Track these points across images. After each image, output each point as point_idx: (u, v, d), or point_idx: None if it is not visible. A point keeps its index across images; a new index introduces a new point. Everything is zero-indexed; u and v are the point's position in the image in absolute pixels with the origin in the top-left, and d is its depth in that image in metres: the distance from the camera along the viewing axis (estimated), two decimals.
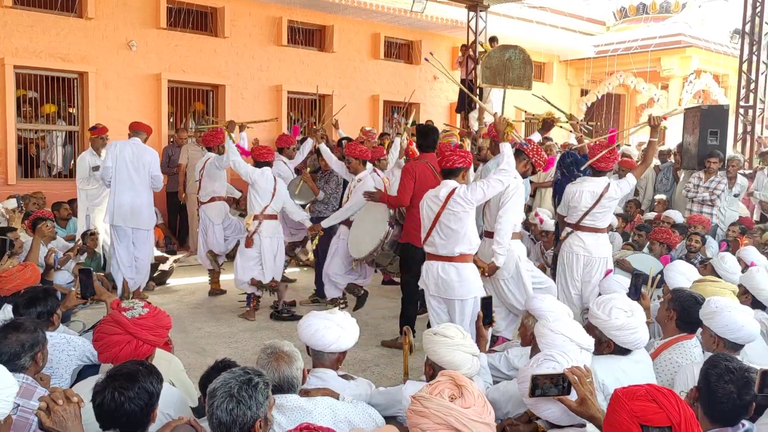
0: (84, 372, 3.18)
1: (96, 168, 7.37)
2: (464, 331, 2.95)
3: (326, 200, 7.11)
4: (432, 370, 2.88)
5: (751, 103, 11.16)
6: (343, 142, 7.77)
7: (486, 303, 3.47)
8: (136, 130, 6.79)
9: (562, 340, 2.75)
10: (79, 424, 2.13)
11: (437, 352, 2.85)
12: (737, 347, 3.18)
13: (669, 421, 1.90)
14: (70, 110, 10.02)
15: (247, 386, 2.15)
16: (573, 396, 2.32)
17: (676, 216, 7.75)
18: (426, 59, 6.91)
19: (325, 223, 6.47)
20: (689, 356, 3.39)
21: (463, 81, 13.01)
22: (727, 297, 3.54)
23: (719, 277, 4.61)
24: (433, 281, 4.61)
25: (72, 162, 9.86)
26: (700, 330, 3.41)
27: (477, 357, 2.91)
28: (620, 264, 5.98)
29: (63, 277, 6.49)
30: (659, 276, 4.88)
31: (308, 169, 7.19)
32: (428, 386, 2.25)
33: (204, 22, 11.04)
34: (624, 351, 3.06)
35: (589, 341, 2.84)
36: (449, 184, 4.57)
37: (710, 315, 3.23)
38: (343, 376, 3.09)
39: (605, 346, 3.07)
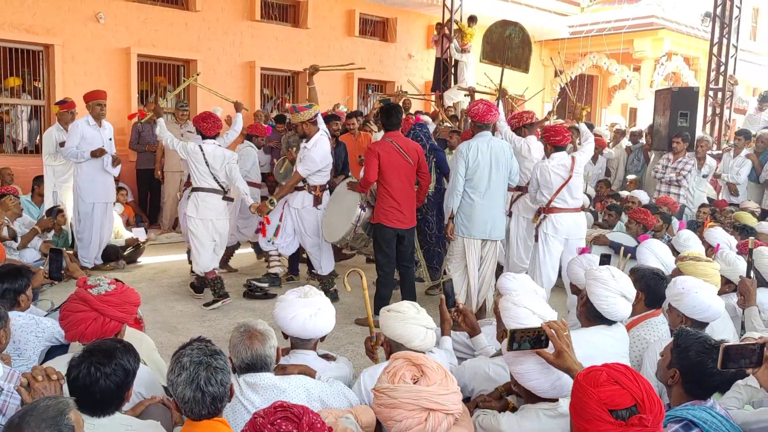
0: (52, 352, 3.13)
1: (62, 144, 7.22)
2: (419, 307, 3.00)
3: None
4: (389, 348, 2.93)
5: (720, 85, 11.32)
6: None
7: (448, 286, 3.49)
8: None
9: (524, 313, 2.80)
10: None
11: (390, 326, 2.89)
12: (703, 325, 3.27)
13: (633, 399, 1.94)
14: (36, 84, 9.75)
15: (217, 354, 2.22)
16: (550, 349, 2.36)
17: (641, 196, 7.89)
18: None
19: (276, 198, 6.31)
20: (657, 333, 3.45)
21: (438, 59, 12.98)
22: (693, 277, 3.56)
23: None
24: (566, 229, 5.52)
25: (38, 137, 9.62)
26: (666, 307, 3.48)
27: (431, 330, 2.93)
28: (597, 240, 6.09)
29: (30, 255, 6.37)
30: (630, 254, 4.97)
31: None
32: (386, 374, 2.23)
33: None
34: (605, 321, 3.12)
35: (552, 314, 2.90)
36: (564, 156, 5.52)
37: (677, 296, 3.29)
38: (324, 356, 3.09)
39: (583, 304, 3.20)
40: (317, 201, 6.18)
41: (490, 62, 8.54)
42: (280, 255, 6.55)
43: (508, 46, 8.61)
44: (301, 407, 1.91)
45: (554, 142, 5.53)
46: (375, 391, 2.23)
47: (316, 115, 6.06)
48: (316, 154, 6.00)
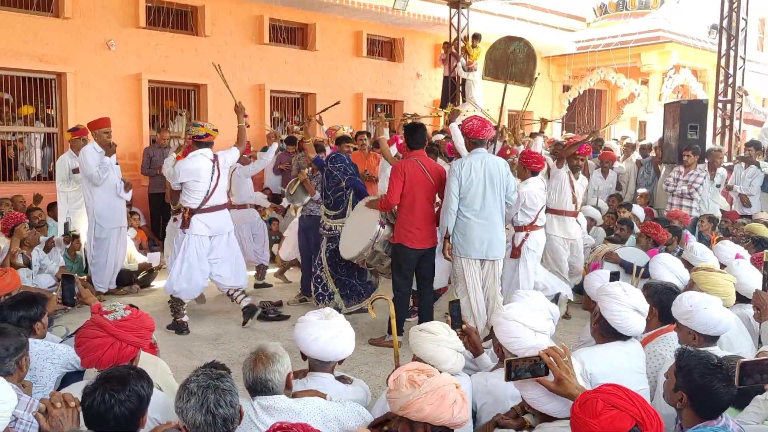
0: (67, 379, 3.14)
1: (76, 170, 7.30)
2: (449, 329, 2.97)
3: (320, 199, 7.13)
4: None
5: (729, 97, 11.29)
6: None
7: (455, 307, 3.46)
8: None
9: (515, 326, 2.83)
10: (77, 428, 2.11)
11: (421, 347, 2.87)
12: (715, 339, 3.22)
13: (633, 419, 1.94)
14: (49, 112, 9.89)
15: (224, 378, 2.24)
16: (551, 377, 2.35)
17: (639, 213, 8.01)
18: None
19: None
20: (673, 348, 3.41)
21: (446, 78, 13.05)
22: (699, 293, 3.51)
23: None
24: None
25: (51, 164, 9.74)
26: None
27: (461, 354, 2.93)
28: (608, 257, 6.04)
29: (45, 281, 6.41)
30: (643, 269, 4.93)
31: (305, 170, 7.13)
32: (404, 386, 2.29)
33: (184, 21, 10.94)
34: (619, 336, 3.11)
35: (544, 325, 2.89)
36: (538, 179, 6.08)
37: (687, 315, 3.20)
38: (340, 379, 3.08)
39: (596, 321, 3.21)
40: (185, 224, 5.96)
41: (493, 79, 8.55)
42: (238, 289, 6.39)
43: (512, 61, 8.60)
44: (301, 425, 1.92)
45: (533, 168, 6.01)
46: (409, 402, 2.26)
47: (203, 136, 5.96)
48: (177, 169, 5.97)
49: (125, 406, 2.17)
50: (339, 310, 6.13)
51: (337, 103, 8.48)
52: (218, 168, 5.96)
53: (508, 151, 6.99)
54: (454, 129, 6.95)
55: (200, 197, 5.92)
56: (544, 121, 7.73)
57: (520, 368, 2.34)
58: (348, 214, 6.22)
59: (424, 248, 5.52)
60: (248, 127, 6.72)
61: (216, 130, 6.10)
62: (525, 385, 2.40)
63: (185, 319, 6.11)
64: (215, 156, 6.00)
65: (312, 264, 6.66)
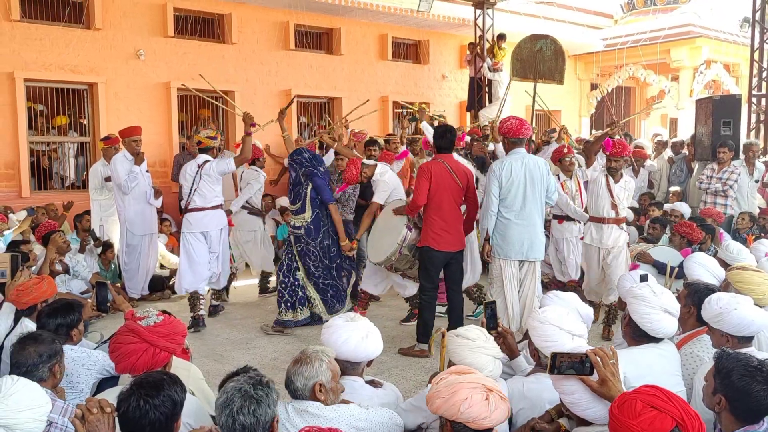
0: (102, 385, 3.19)
1: (108, 179, 7.43)
2: (486, 334, 2.95)
3: (344, 201, 7.13)
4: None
5: (763, 91, 11.04)
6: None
7: (491, 308, 3.41)
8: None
9: (552, 330, 2.80)
10: None
11: (459, 354, 2.85)
12: (749, 340, 3.12)
13: (674, 421, 1.90)
14: (81, 121, 10.09)
15: (261, 386, 2.22)
16: (595, 377, 2.32)
17: (683, 209, 7.73)
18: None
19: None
20: (710, 349, 3.34)
21: (471, 79, 12.99)
22: (728, 293, 3.41)
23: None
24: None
25: (85, 173, 9.93)
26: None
27: (499, 359, 2.91)
28: (641, 257, 5.93)
29: (77, 286, 6.54)
30: (677, 269, 4.83)
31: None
32: (434, 383, 2.37)
33: (211, 29, 11.07)
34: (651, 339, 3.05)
35: (581, 329, 2.85)
36: None
37: (717, 317, 3.12)
38: (371, 382, 3.07)
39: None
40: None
41: (522, 79, 8.45)
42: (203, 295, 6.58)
43: (540, 59, 8.50)
44: (330, 430, 1.93)
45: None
46: (431, 393, 2.31)
47: (197, 143, 6.63)
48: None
49: (160, 411, 2.19)
50: (320, 318, 6.18)
51: (366, 101, 8.47)
52: (200, 173, 6.34)
53: (566, 150, 6.92)
54: (425, 126, 7.28)
55: (185, 198, 6.46)
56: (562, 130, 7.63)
57: (564, 363, 2.30)
58: (306, 208, 6.19)
59: (452, 251, 5.48)
60: (258, 130, 7.14)
61: (212, 138, 6.53)
62: (566, 386, 2.35)
63: (202, 313, 6.42)
64: (204, 162, 6.38)
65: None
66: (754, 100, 11.13)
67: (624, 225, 6.12)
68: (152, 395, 2.20)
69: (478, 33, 12.81)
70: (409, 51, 13.80)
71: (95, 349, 3.53)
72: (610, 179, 5.99)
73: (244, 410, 2.15)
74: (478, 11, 12.83)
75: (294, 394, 2.63)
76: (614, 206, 5.96)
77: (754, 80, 11.16)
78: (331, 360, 2.68)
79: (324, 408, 2.60)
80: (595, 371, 2.31)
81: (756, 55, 11.10)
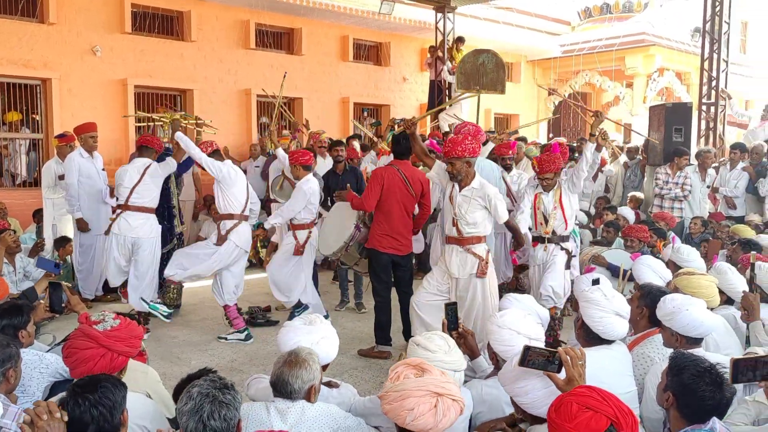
0: (55, 388, 3.10)
1: (62, 177, 7.24)
2: (450, 344, 2.83)
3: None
4: None
5: (713, 100, 11.41)
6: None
7: (452, 309, 3.43)
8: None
9: (509, 334, 2.85)
10: None
11: None
12: (698, 341, 3.21)
13: (608, 419, 1.95)
14: (34, 117, 9.81)
15: (227, 389, 2.21)
16: (561, 375, 2.36)
17: (627, 214, 7.95)
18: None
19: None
20: (661, 350, 3.44)
21: (432, 82, 13.10)
22: (683, 294, 3.53)
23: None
24: None
25: (37, 170, 9.66)
26: None
27: (459, 372, 2.78)
28: (596, 260, 6.07)
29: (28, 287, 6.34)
30: (629, 271, 4.96)
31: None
32: (390, 379, 2.36)
33: (170, 26, 10.90)
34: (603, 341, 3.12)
35: (538, 332, 2.92)
36: None
37: (669, 316, 3.21)
38: (327, 384, 3.07)
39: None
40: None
41: (465, 90, 8.81)
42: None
43: (482, 72, 8.88)
44: None
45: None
46: (383, 394, 2.31)
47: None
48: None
49: (102, 403, 2.18)
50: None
51: (285, 74, 8.10)
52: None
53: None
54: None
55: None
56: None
57: (533, 359, 2.34)
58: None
59: (399, 254, 5.54)
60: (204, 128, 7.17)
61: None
62: (519, 387, 2.40)
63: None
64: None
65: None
66: (704, 107, 11.50)
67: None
68: (88, 391, 2.19)
69: (439, 37, 12.92)
70: (371, 53, 13.84)
71: (48, 351, 3.44)
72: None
73: (215, 415, 2.13)
74: (439, 15, 12.95)
75: (288, 395, 2.61)
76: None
77: (704, 89, 11.53)
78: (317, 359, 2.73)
79: (308, 407, 2.60)
80: (563, 369, 2.35)
81: (706, 65, 11.46)
